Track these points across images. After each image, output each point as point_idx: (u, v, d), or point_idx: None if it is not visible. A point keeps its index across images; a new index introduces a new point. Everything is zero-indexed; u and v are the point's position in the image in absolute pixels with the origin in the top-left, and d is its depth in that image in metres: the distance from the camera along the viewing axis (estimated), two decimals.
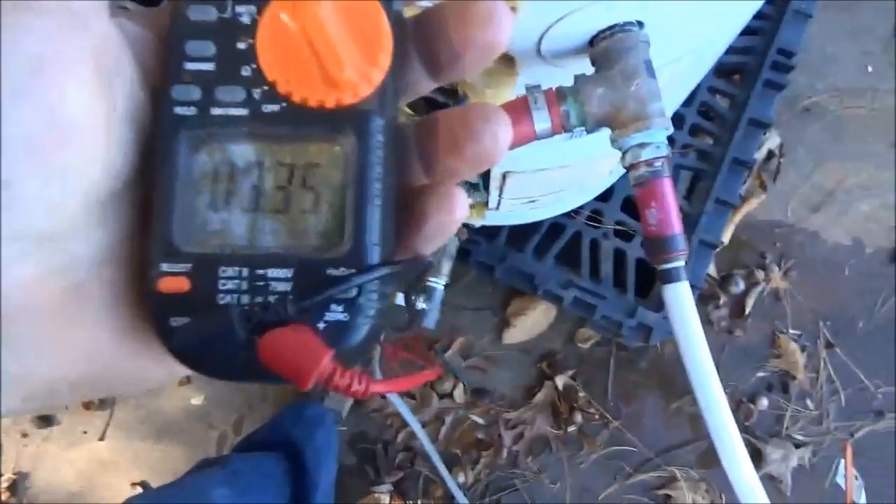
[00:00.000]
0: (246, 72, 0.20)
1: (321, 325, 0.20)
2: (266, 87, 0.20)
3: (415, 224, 0.22)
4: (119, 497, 1.31)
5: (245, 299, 0.20)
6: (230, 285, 0.20)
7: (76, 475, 1.31)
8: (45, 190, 0.18)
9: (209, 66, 0.20)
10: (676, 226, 0.43)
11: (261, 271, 0.20)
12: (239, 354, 0.19)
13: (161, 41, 0.21)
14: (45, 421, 1.33)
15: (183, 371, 0.22)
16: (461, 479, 1.22)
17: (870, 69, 1.32)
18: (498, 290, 1.27)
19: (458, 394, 1.25)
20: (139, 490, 1.29)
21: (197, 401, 1.31)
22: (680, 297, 0.44)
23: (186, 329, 0.20)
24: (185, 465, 1.28)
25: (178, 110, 0.20)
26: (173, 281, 0.20)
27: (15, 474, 1.31)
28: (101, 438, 1.32)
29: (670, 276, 0.44)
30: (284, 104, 0.20)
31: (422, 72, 0.22)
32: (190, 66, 0.20)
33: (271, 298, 0.20)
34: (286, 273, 0.20)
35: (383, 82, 0.20)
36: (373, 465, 1.25)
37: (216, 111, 0.20)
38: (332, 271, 0.20)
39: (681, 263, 0.43)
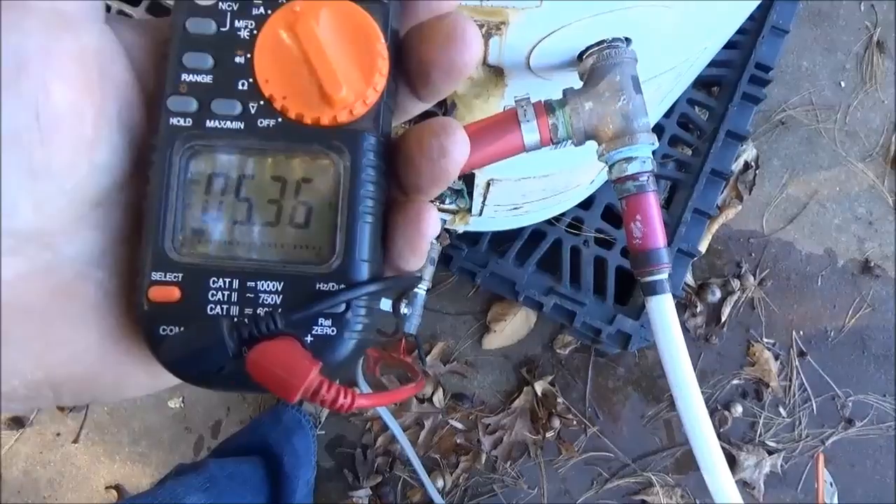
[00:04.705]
0: (242, 86, 0.21)
1: (308, 339, 0.20)
2: (262, 102, 0.21)
3: (387, 240, 0.22)
4: (92, 501, 1.29)
5: (234, 311, 0.20)
6: (220, 296, 0.20)
7: (49, 478, 1.29)
8: (30, 186, 0.18)
9: (206, 79, 0.21)
10: (660, 239, 0.44)
11: (251, 283, 0.20)
12: (227, 365, 0.20)
13: (159, 51, 0.21)
14: (17, 423, 1.31)
15: (168, 381, 0.22)
16: (440, 483, 1.22)
17: (842, 85, 1.36)
18: (479, 296, 1.28)
19: (438, 398, 1.26)
20: (113, 494, 1.27)
21: (174, 404, 1.30)
22: (663, 309, 0.44)
23: (175, 338, 0.20)
24: (162, 470, 1.27)
25: (174, 121, 0.20)
26: (163, 290, 0.20)
27: None
28: (76, 441, 1.30)
29: (654, 289, 0.45)
30: (280, 119, 0.21)
31: (407, 92, 0.22)
32: (187, 77, 0.21)
33: (260, 311, 0.20)
34: (276, 286, 0.20)
35: (378, 102, 0.21)
36: (351, 469, 1.25)
37: (211, 123, 0.21)
38: (321, 286, 0.20)
39: (664, 276, 0.44)
